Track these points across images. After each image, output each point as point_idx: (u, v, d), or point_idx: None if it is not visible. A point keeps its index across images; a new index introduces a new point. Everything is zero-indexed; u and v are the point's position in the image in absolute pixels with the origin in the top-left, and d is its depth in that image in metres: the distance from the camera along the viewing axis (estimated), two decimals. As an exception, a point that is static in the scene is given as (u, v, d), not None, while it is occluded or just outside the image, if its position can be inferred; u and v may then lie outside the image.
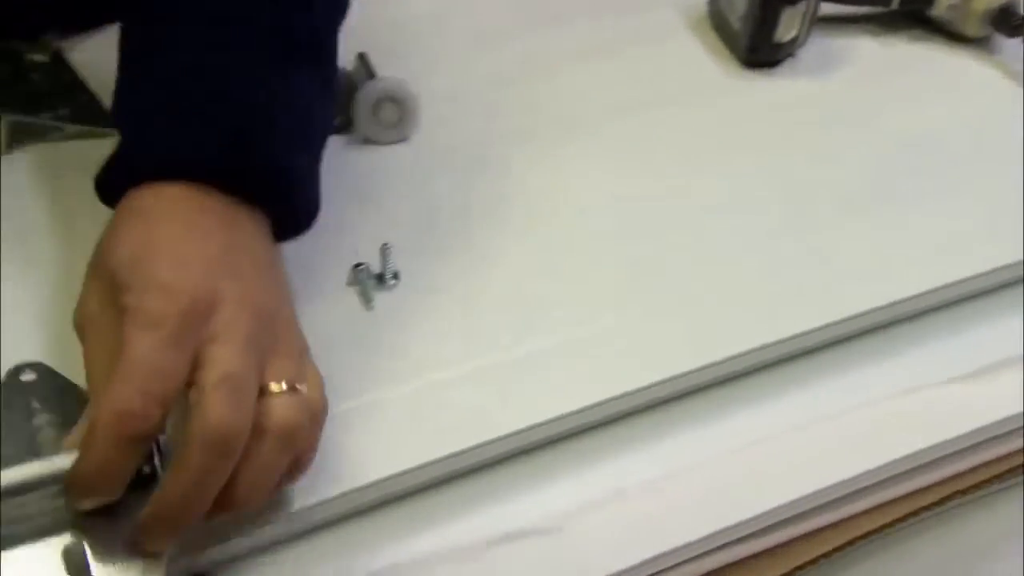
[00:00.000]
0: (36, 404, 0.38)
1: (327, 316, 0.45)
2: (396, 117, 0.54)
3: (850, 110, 0.60)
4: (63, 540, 0.33)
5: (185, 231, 0.36)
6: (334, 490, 0.39)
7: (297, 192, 0.41)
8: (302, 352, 0.38)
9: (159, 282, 0.33)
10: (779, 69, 0.64)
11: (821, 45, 0.65)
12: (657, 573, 0.42)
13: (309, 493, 0.38)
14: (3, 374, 0.40)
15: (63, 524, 0.34)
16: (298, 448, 0.35)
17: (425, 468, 0.41)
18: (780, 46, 0.63)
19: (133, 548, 0.33)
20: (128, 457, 0.32)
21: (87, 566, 0.33)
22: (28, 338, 0.43)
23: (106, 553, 0.33)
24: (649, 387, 0.44)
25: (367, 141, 0.55)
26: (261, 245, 0.39)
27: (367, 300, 0.47)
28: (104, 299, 0.35)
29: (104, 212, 0.40)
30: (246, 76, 0.40)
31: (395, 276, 0.48)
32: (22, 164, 0.51)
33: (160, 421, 0.32)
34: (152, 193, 0.37)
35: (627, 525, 0.42)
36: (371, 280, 0.47)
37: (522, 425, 0.42)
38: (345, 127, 0.54)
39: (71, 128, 0.53)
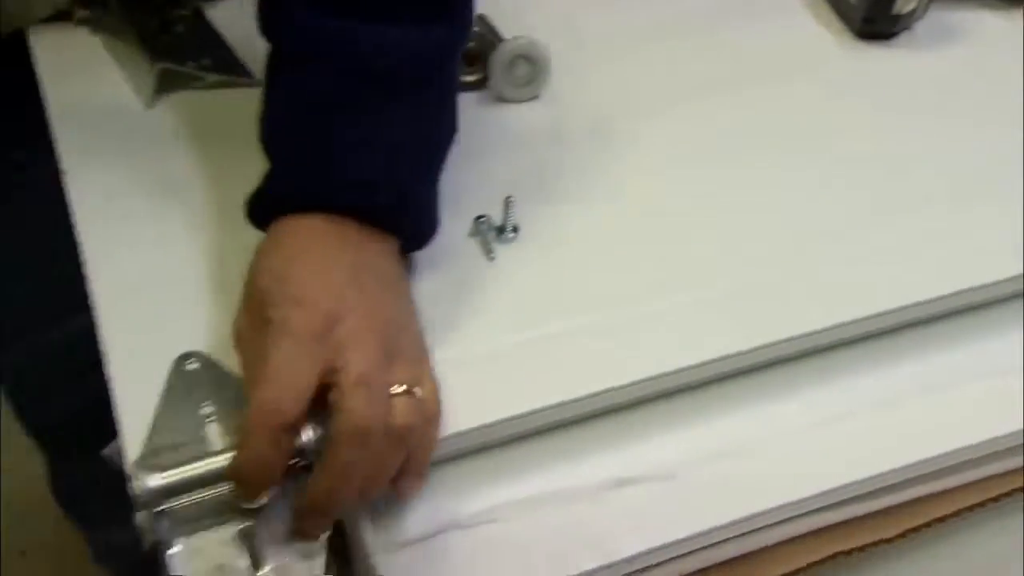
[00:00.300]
0: (200, 393, 0.41)
1: (450, 264, 0.48)
2: (529, 76, 0.56)
3: (967, 88, 0.60)
4: (239, 524, 0.37)
5: (320, 258, 0.41)
6: (458, 427, 0.41)
7: (422, 220, 0.45)
8: (421, 360, 0.42)
9: (297, 299, 0.39)
10: (895, 42, 0.63)
11: (939, 19, 0.64)
12: (764, 527, 0.43)
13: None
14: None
15: (239, 511, 0.37)
16: (411, 446, 0.38)
17: (540, 413, 0.43)
18: (898, 18, 0.62)
19: (296, 532, 0.37)
20: (276, 449, 0.37)
21: (259, 547, 0.37)
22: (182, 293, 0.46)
23: (275, 536, 0.37)
24: (759, 348, 0.46)
25: (500, 99, 0.57)
26: (387, 263, 0.43)
27: (488, 251, 0.49)
28: (253, 315, 0.40)
29: (243, 156, 0.44)
30: (377, 115, 0.43)
31: (515, 229, 0.50)
32: (170, 108, 0.55)
33: (300, 416, 0.37)
34: (294, 224, 0.42)
35: (740, 479, 0.43)
36: (491, 232, 0.50)
37: (636, 377, 0.44)
38: (479, 84, 0.56)
39: (212, 77, 0.56)
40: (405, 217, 0.44)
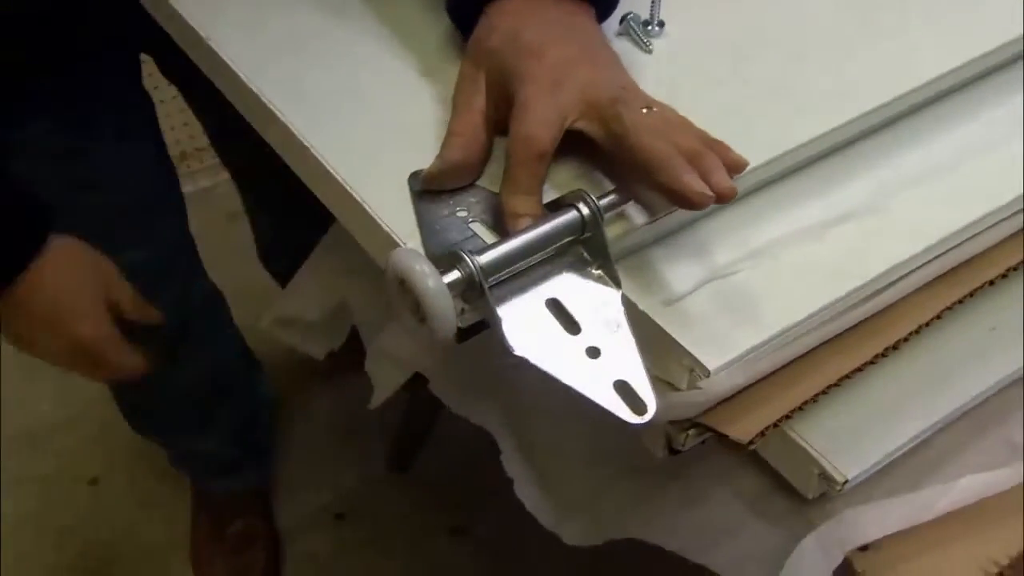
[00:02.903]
0: (444, 202, 0.44)
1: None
2: None
3: None
4: (546, 292, 0.41)
5: (542, 21, 0.46)
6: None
7: None
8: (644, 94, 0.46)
9: (531, 50, 0.44)
10: None
11: None
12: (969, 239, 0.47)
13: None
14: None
15: (542, 278, 0.41)
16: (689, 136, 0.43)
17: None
18: None
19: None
20: (534, 174, 0.42)
21: (564, 308, 0.40)
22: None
23: (579, 307, 0.40)
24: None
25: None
26: (592, 27, 0.48)
27: (644, 44, 0.50)
28: (474, 70, 0.46)
29: None
30: None
31: (660, 24, 0.51)
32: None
33: (551, 144, 0.42)
34: (511, 2, 0.47)
35: (943, 201, 0.47)
36: (639, 26, 0.51)
37: (827, 127, 0.46)
38: None
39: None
40: None
